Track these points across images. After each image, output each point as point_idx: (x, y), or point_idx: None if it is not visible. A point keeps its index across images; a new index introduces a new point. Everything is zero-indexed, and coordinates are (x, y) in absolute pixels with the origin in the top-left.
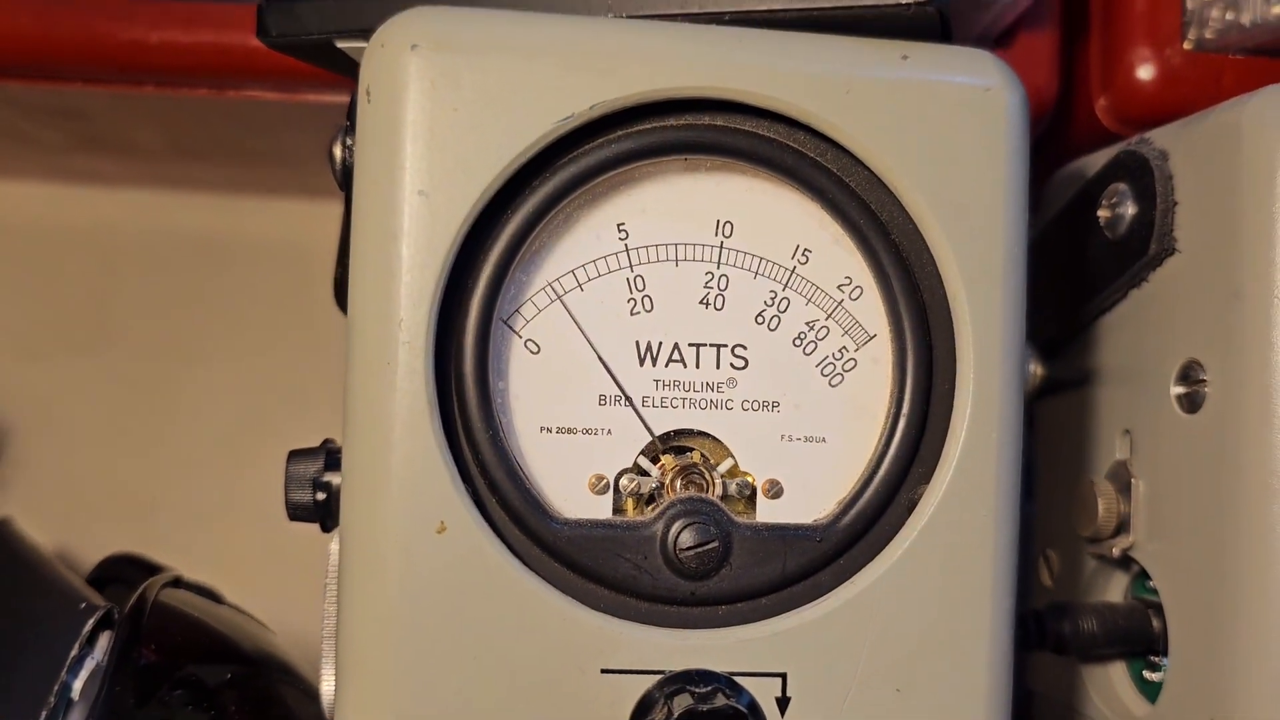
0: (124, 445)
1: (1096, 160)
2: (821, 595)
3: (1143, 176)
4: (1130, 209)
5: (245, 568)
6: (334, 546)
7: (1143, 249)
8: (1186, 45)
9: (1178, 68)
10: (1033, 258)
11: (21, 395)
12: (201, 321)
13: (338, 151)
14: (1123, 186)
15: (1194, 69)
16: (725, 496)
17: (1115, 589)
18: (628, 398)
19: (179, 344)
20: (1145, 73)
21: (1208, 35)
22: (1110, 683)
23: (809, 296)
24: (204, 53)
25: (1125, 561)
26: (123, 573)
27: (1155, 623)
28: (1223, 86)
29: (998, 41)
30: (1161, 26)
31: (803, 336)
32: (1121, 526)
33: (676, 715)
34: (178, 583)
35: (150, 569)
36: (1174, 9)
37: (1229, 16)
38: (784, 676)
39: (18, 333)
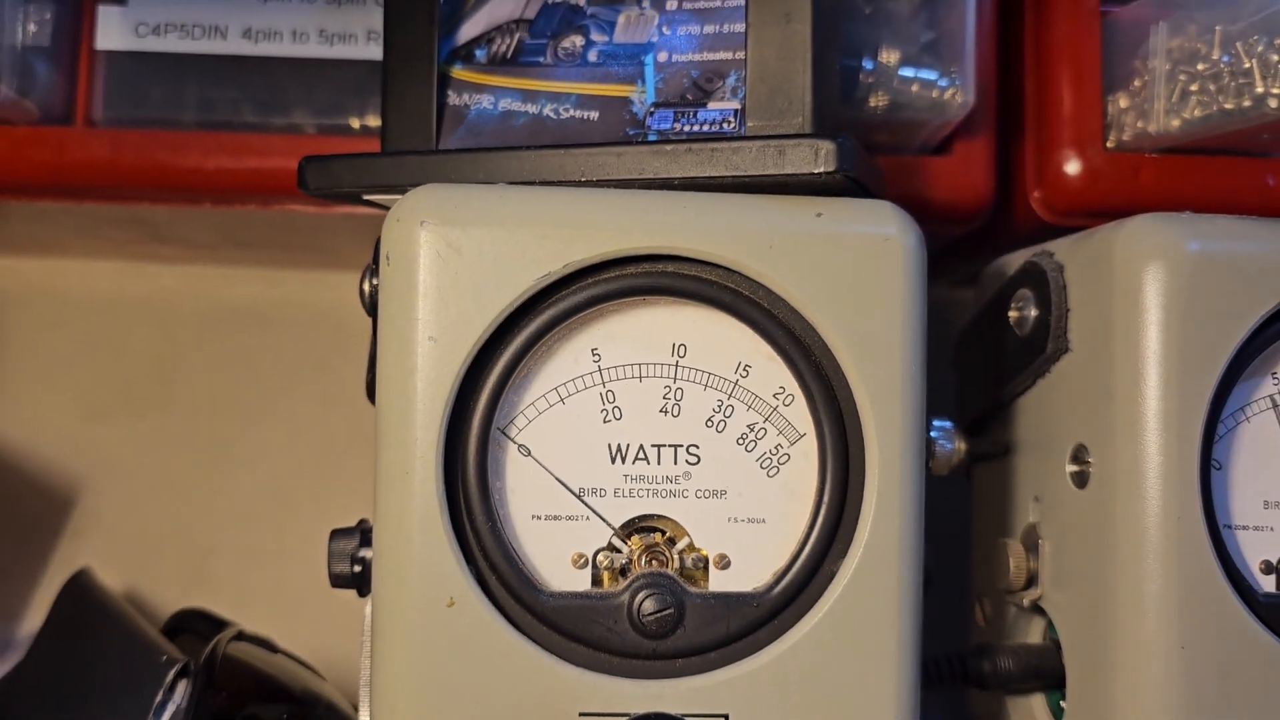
0: (183, 497)
1: (1013, 262)
2: (759, 650)
3: (1042, 285)
4: (1033, 312)
5: (291, 603)
6: (368, 610)
7: (1043, 346)
8: (1108, 145)
9: (1100, 165)
10: (963, 343)
11: (91, 452)
12: (253, 384)
13: (365, 287)
14: (1027, 292)
15: (1115, 166)
16: (683, 569)
17: (1035, 630)
18: (585, 503)
19: (233, 405)
20: (1072, 169)
21: (1125, 138)
22: (1032, 712)
23: (749, 404)
24: (251, 176)
25: (1036, 608)
26: (191, 624)
27: (1064, 660)
28: (1140, 181)
29: (937, 149)
30: (1085, 130)
31: (745, 436)
32: (1031, 580)
33: None
34: (240, 636)
35: (214, 622)
36: (1096, 115)
37: (1140, 124)
38: (726, 717)
39: (86, 396)
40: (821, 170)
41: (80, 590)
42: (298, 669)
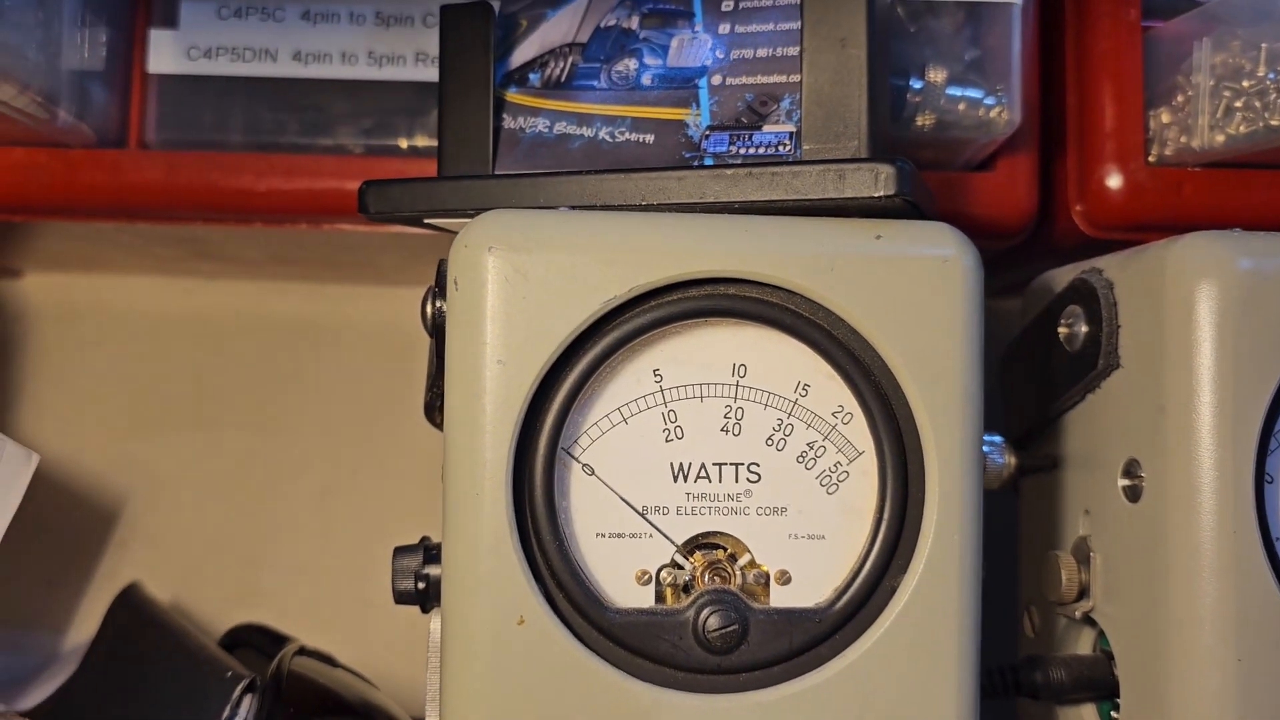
0: (226, 510)
1: (1061, 278)
2: (821, 665)
3: (1092, 302)
4: (1083, 328)
5: (334, 614)
6: (434, 625)
7: (1093, 363)
8: (1150, 160)
9: (1143, 180)
10: (1011, 357)
11: (136, 467)
12: (293, 397)
13: (428, 309)
14: (1077, 309)
15: (1157, 181)
16: (745, 585)
17: (1085, 641)
18: (648, 520)
19: (274, 418)
20: (1114, 184)
21: (1167, 153)
22: None
23: (809, 422)
24: (303, 197)
25: (1088, 619)
26: (249, 639)
27: (1116, 672)
28: (1183, 195)
29: (981, 165)
30: (1127, 145)
31: (804, 455)
32: (1083, 593)
33: None
34: (302, 650)
35: (273, 636)
36: (1138, 130)
37: (1183, 140)
38: None
39: (132, 411)
40: (881, 194)
41: (132, 604)
42: (358, 683)
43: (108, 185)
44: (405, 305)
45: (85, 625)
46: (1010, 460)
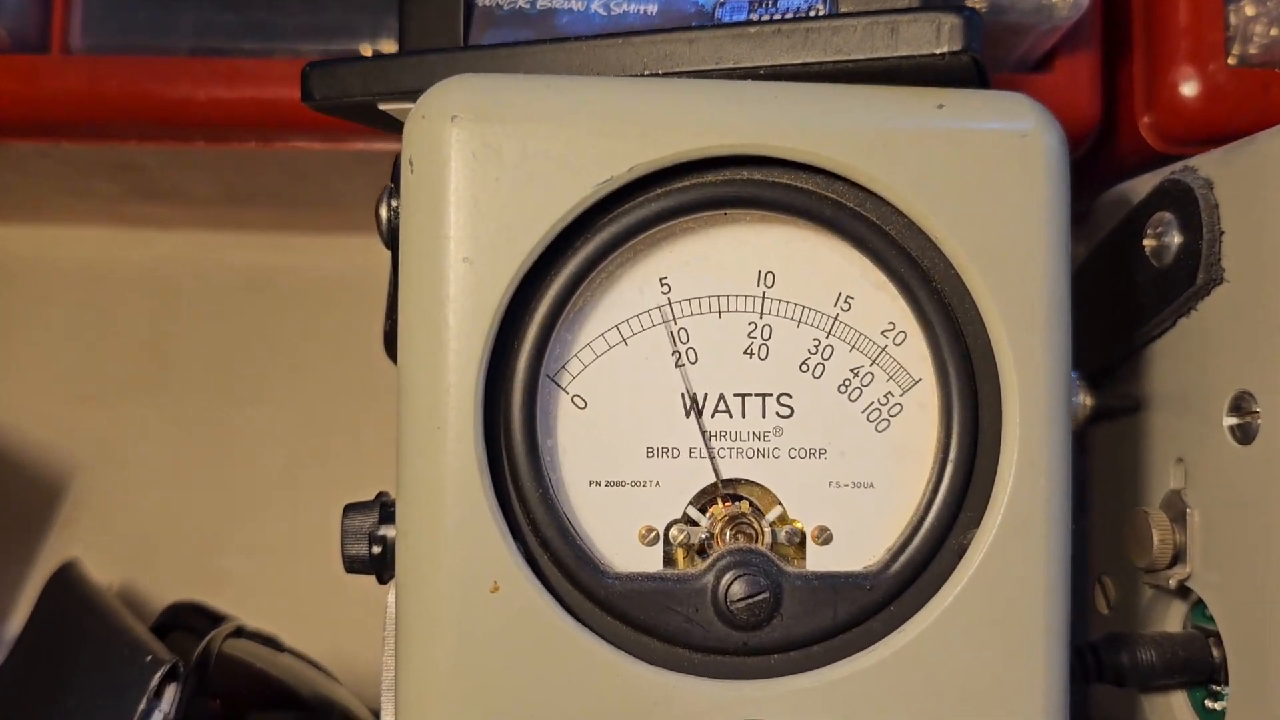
0: (184, 484)
1: (1141, 186)
2: (873, 643)
3: (1188, 206)
4: (1176, 238)
5: (304, 600)
6: (391, 598)
7: (1190, 279)
8: (1230, 61)
9: (1222, 84)
10: (1077, 285)
11: (82, 436)
12: (257, 359)
13: (383, 212)
14: (1168, 215)
15: (1239, 85)
16: (774, 545)
17: (1174, 616)
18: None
19: (235, 381)
20: (1189, 90)
21: (1252, 51)
22: (1172, 712)
23: (852, 343)
24: (250, 108)
25: (1183, 589)
26: (186, 620)
27: (1215, 651)
28: (1270, 101)
29: (1038, 66)
30: (1205, 43)
31: (847, 383)
32: (1178, 557)
33: None
34: (239, 632)
35: (212, 617)
36: (1217, 25)
37: (1273, 32)
38: None
39: (77, 375)
40: (945, 50)
41: (65, 584)
42: (307, 670)
43: (24, 95)
44: (378, 254)
45: (26, 611)
46: (1086, 400)
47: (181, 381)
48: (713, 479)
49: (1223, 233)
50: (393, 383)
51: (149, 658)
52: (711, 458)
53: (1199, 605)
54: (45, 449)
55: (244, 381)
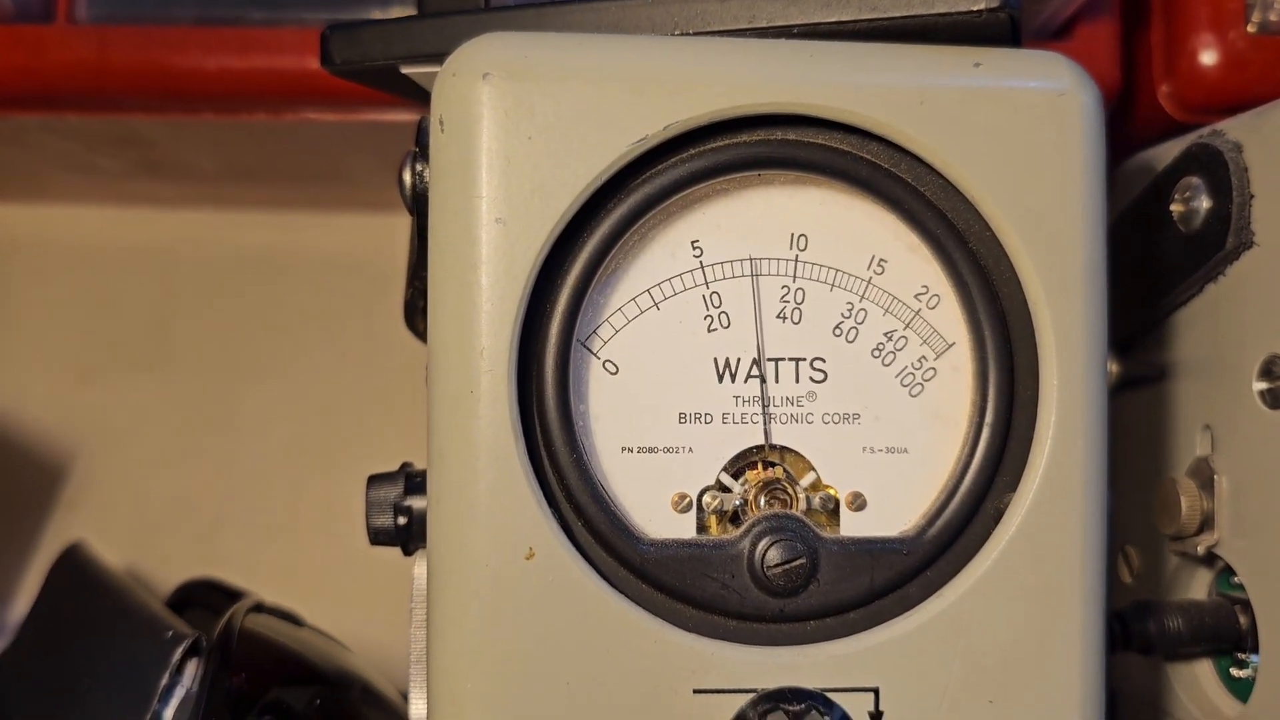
0: (188, 463)
1: (1166, 152)
2: (911, 608)
3: (1217, 169)
4: (1205, 203)
5: (310, 579)
6: (418, 570)
7: (1219, 243)
8: (1250, 29)
9: (1242, 51)
10: None
11: (86, 416)
12: (260, 338)
13: (407, 177)
14: (1196, 180)
15: (1259, 52)
16: (809, 511)
17: (1198, 585)
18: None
19: (239, 361)
20: (1209, 58)
21: (1272, 18)
22: (1197, 681)
23: (886, 307)
24: (260, 78)
25: (1209, 557)
26: (201, 597)
27: (1242, 619)
28: None
29: (1057, 34)
30: (1224, 10)
31: (881, 347)
32: (1205, 523)
33: None
34: (259, 608)
35: (228, 593)
36: None
37: None
38: (876, 691)
39: (81, 354)
40: (983, 8)
41: (74, 565)
42: (328, 645)
43: (29, 67)
44: (385, 233)
45: (32, 594)
46: (1112, 368)
47: (185, 361)
48: (747, 445)
49: (1253, 196)
50: (398, 359)
51: (170, 633)
52: (766, 419)
53: (1224, 573)
54: (47, 430)
55: (248, 360)
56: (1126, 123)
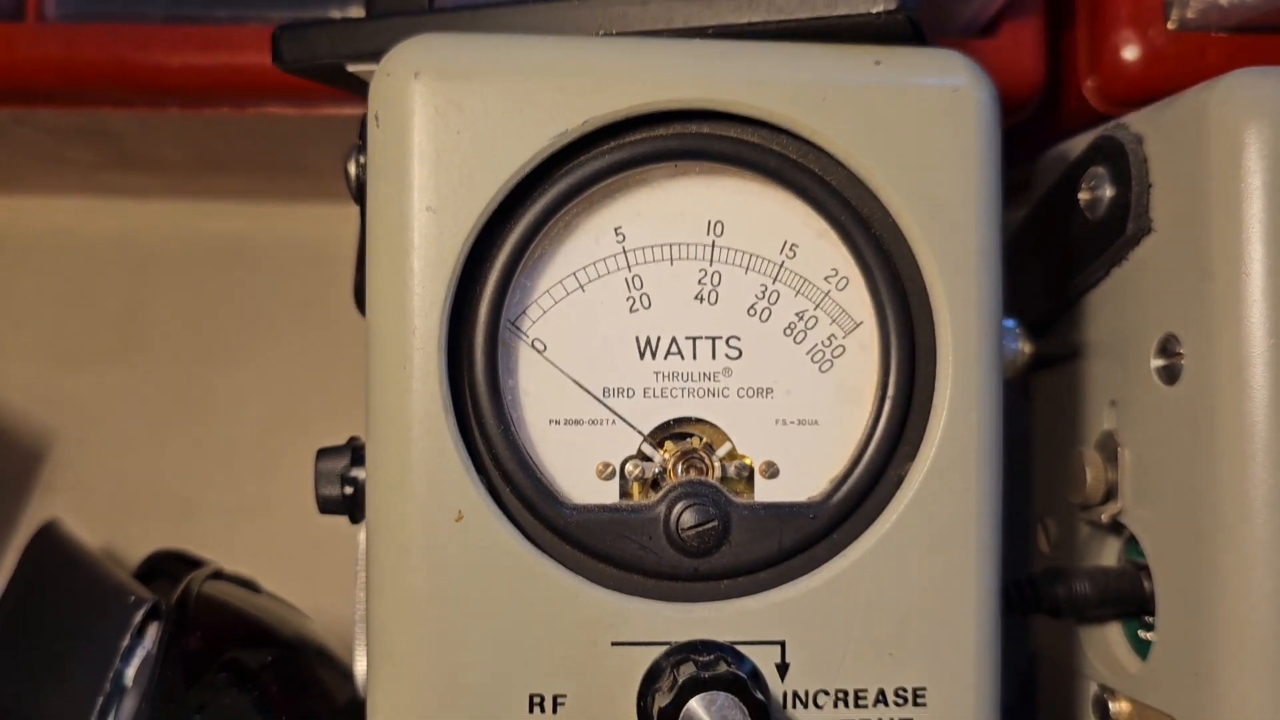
0: (161, 446)
1: (1078, 144)
2: (816, 568)
3: (1119, 160)
4: (1108, 191)
5: (281, 558)
6: (362, 536)
7: (1121, 229)
8: (1170, 25)
9: (1161, 47)
10: (1020, 239)
11: (62, 402)
12: (230, 324)
13: (352, 168)
14: (1101, 170)
15: (1178, 48)
16: (725, 478)
17: (1109, 553)
18: (609, 406)
19: (209, 347)
20: (1130, 54)
21: (1189, 15)
22: (1107, 642)
23: (798, 288)
24: (222, 74)
25: (1117, 526)
26: (167, 567)
27: (1147, 584)
28: (1207, 63)
29: (983, 31)
30: (1144, 8)
31: (793, 326)
32: (1110, 493)
33: (681, 682)
34: (218, 575)
35: (192, 563)
36: None
37: None
38: (783, 644)
39: (55, 342)
40: (880, 10)
41: (47, 542)
42: (284, 610)
43: (0, 63)
44: (348, 222)
45: (8, 571)
46: (1025, 348)
47: (158, 347)
48: (667, 417)
49: (1151, 185)
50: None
51: (132, 598)
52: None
53: (1132, 541)
54: (23, 415)
55: (218, 346)
56: (1055, 113)
